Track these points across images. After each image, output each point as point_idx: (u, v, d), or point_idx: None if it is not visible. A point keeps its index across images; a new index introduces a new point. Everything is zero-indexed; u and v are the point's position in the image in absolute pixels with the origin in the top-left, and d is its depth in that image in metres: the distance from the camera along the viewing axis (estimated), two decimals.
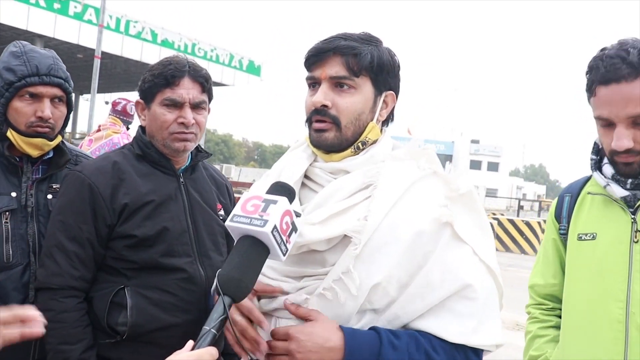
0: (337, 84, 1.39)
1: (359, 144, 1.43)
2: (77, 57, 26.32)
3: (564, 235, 1.81)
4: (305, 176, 1.47)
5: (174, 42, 26.90)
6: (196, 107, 1.97)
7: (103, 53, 16.36)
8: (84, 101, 36.29)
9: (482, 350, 1.33)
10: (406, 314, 1.31)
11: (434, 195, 1.36)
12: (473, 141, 73.64)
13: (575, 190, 1.84)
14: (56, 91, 1.96)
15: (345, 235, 1.30)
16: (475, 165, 71.00)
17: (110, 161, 1.94)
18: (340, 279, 1.29)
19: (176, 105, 1.93)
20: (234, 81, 30.82)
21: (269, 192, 1.29)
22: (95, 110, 14.82)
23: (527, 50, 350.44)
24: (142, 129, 2.04)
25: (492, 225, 14.74)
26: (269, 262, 1.36)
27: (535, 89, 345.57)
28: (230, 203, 2.23)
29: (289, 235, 1.22)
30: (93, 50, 16.50)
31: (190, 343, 1.14)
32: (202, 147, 2.14)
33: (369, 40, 1.42)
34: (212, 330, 1.13)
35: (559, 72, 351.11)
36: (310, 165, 1.46)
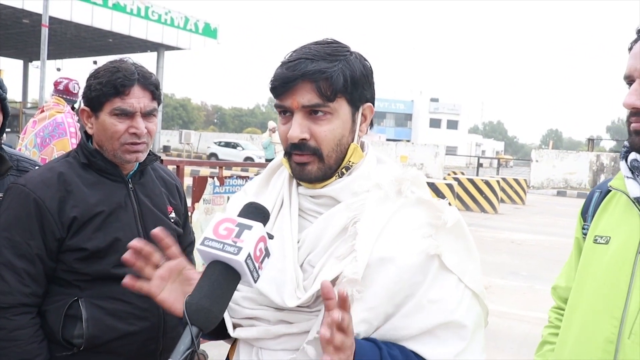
0: (312, 111, 1.29)
1: (343, 170, 1.36)
2: (23, 23, 25.22)
3: (586, 235, 1.61)
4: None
5: (126, 5, 25.92)
6: (147, 115, 1.90)
7: (51, 18, 15.67)
8: (33, 69, 34.97)
9: None
10: (386, 339, 1.28)
11: (417, 224, 1.31)
12: (432, 100, 74.31)
13: (606, 186, 1.61)
14: None
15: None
16: (434, 123, 71.78)
17: (56, 172, 1.86)
18: None
19: (127, 114, 1.86)
20: (190, 45, 30.14)
21: (242, 214, 1.22)
22: (46, 81, 14.24)
23: (484, 7, 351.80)
24: (86, 135, 1.96)
25: (452, 186, 15.13)
26: (245, 294, 1.33)
27: (493, 46, 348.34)
28: (180, 203, 2.19)
29: (262, 262, 1.17)
30: (39, 15, 15.79)
31: None
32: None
33: (337, 54, 1.30)
34: None
35: (516, 29, 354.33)
36: (294, 189, 1.40)
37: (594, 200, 1.65)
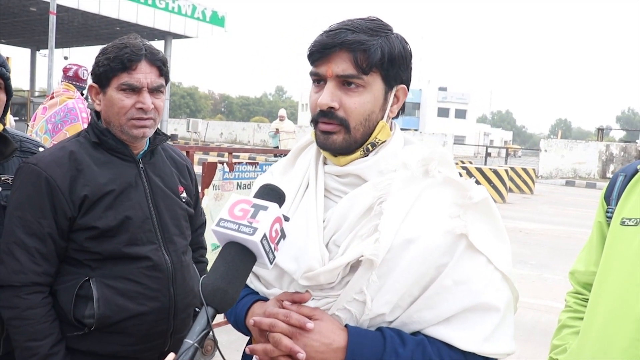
0: (345, 82, 1.29)
1: (369, 146, 1.34)
2: (30, 11, 25.21)
3: (610, 218, 1.60)
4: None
5: None
6: (154, 91, 1.90)
7: (59, 6, 15.66)
8: (41, 57, 35.00)
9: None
10: (413, 322, 1.26)
11: (444, 205, 1.28)
12: (440, 89, 73.82)
13: (631, 169, 1.60)
14: None
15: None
16: (443, 112, 71.42)
17: (67, 151, 1.86)
18: (354, 300, 1.25)
19: (134, 90, 1.86)
20: (197, 33, 30.00)
21: (258, 195, 1.22)
22: (54, 69, 14.25)
23: None
24: (96, 114, 1.96)
25: (460, 175, 15.03)
26: (273, 291, 1.34)
27: (502, 35, 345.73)
28: (191, 183, 2.19)
29: (277, 243, 1.17)
30: (47, 3, 15.79)
31: (172, 355, 1.06)
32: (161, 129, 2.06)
33: (378, 30, 1.30)
34: (194, 344, 1.06)
35: (526, 18, 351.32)
36: (320, 168, 1.39)
37: (618, 184, 1.63)
